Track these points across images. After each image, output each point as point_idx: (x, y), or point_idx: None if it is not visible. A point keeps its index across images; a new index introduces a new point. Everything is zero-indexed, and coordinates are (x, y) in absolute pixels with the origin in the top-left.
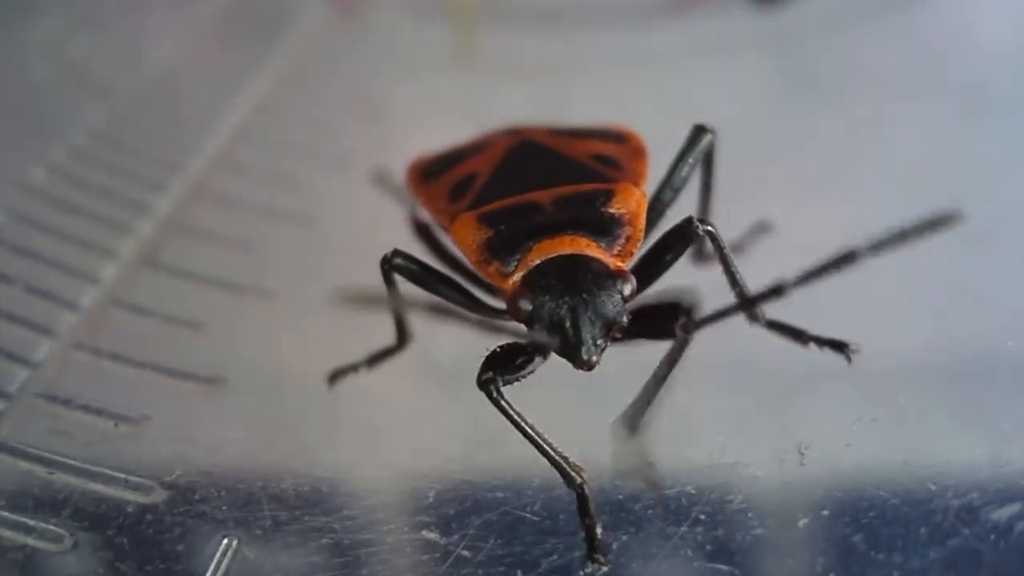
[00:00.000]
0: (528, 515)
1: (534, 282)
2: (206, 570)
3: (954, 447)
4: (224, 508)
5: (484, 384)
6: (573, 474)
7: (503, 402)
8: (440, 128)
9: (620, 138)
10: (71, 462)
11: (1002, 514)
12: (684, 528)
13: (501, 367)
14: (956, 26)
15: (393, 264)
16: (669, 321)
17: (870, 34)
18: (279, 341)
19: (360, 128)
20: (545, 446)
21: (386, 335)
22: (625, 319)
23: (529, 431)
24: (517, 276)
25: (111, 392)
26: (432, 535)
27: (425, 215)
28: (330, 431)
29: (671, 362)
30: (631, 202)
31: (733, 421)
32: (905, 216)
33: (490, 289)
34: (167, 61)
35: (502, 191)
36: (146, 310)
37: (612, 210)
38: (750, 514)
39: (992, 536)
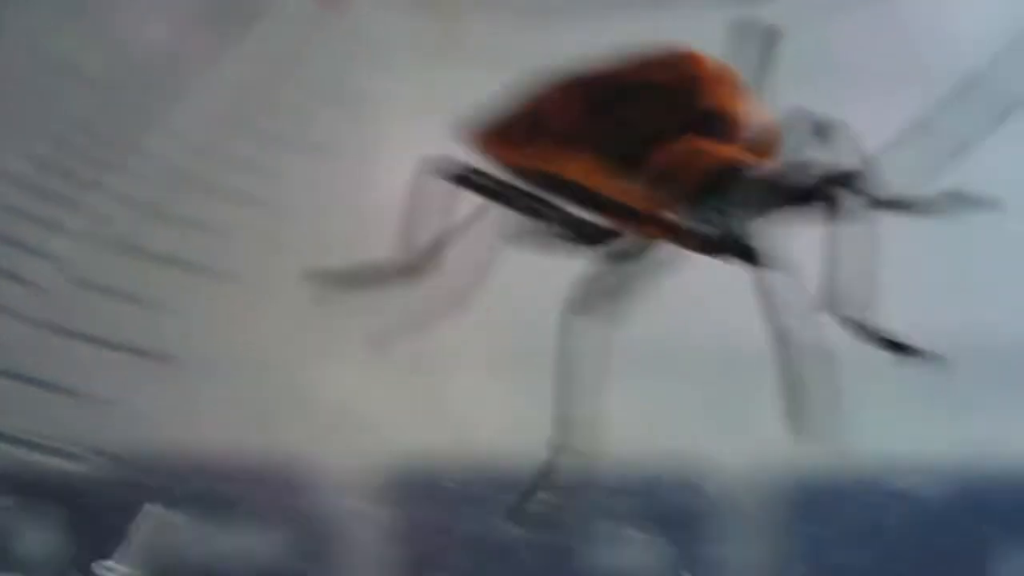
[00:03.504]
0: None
1: (666, 188)
2: (135, 539)
3: (919, 435)
4: (159, 480)
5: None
6: None
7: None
8: (421, 119)
9: (681, 56)
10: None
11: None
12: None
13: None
14: (935, 15)
15: (467, 179)
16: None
17: (848, 24)
18: (235, 322)
19: (338, 117)
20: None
21: (339, 323)
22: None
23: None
24: (646, 187)
25: (58, 366)
26: (377, 513)
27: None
28: (279, 411)
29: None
30: (739, 99)
31: (699, 408)
32: None
33: None
34: (146, 48)
35: (607, 127)
36: (102, 288)
37: (714, 105)
38: (714, 502)
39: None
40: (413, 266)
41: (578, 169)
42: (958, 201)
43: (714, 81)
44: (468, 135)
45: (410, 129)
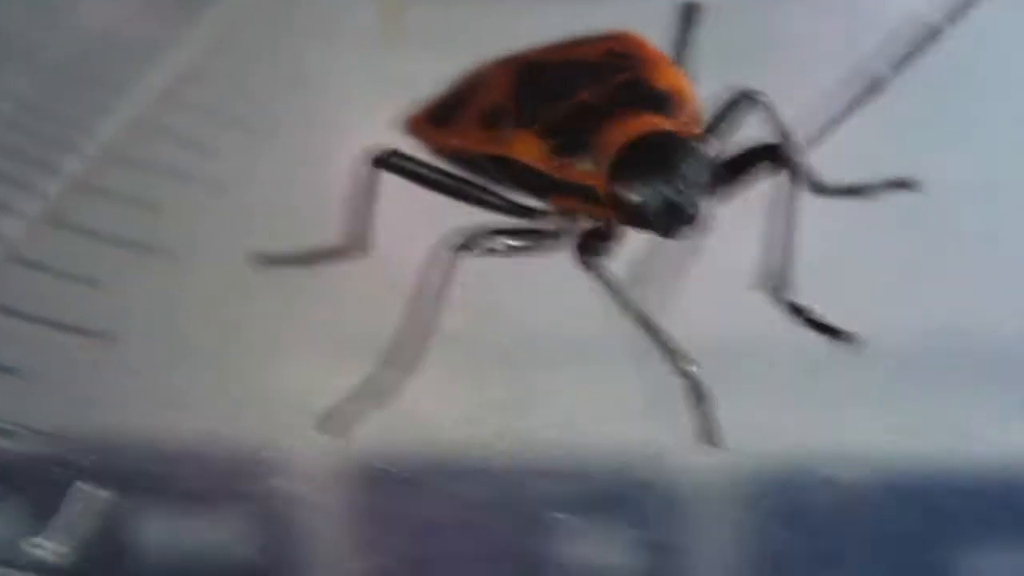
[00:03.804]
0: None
1: (623, 168)
2: (65, 517)
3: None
4: (90, 459)
5: (592, 264)
6: (681, 359)
7: (613, 282)
8: (368, 101)
9: (616, 37)
10: None
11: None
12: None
13: (596, 248)
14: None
15: (390, 163)
16: (765, 154)
17: (789, 7)
18: (179, 302)
19: (285, 99)
20: (657, 329)
21: (286, 301)
22: (720, 173)
23: (642, 312)
24: (601, 167)
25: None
26: (303, 494)
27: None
28: (218, 392)
29: (791, 203)
30: (673, 74)
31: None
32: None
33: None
34: (95, 28)
35: (541, 104)
36: (46, 267)
37: (661, 86)
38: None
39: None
40: (347, 248)
41: (523, 149)
42: (885, 185)
43: (655, 61)
44: (405, 121)
45: (353, 111)
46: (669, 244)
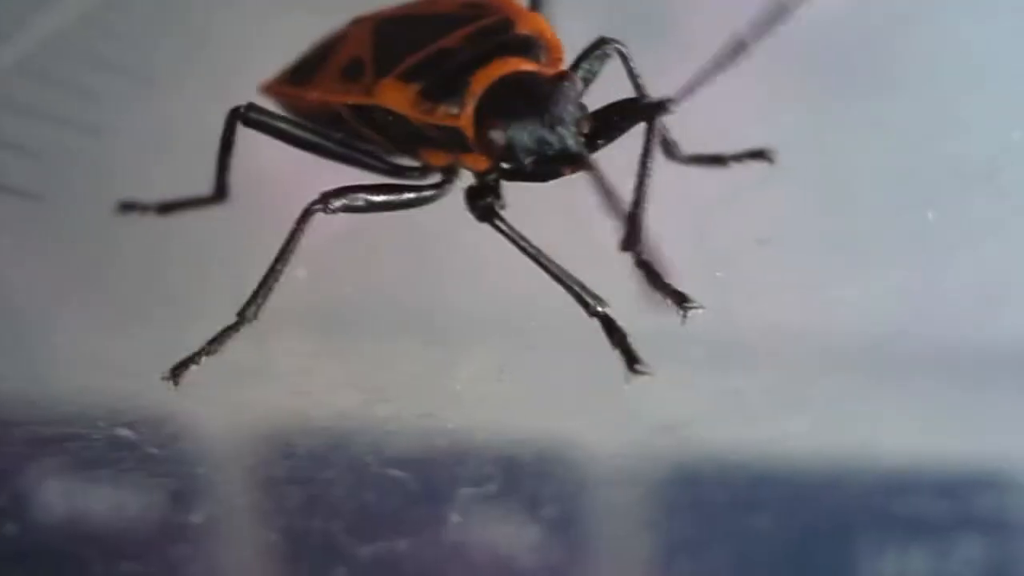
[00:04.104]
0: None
1: (491, 108)
2: None
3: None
4: None
5: (485, 212)
6: (591, 300)
7: (511, 230)
8: (258, 59)
9: None
10: None
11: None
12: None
13: (485, 199)
14: None
15: (248, 118)
16: (635, 106)
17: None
18: (41, 246)
19: (173, 50)
20: (561, 273)
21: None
22: (588, 112)
23: (544, 259)
24: (469, 109)
25: None
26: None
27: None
28: (75, 342)
29: (645, 157)
30: (534, 20)
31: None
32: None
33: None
34: None
35: (403, 53)
36: None
37: (522, 31)
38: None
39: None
40: (207, 198)
41: (389, 96)
42: (740, 156)
43: (514, 9)
44: (262, 85)
45: (240, 68)
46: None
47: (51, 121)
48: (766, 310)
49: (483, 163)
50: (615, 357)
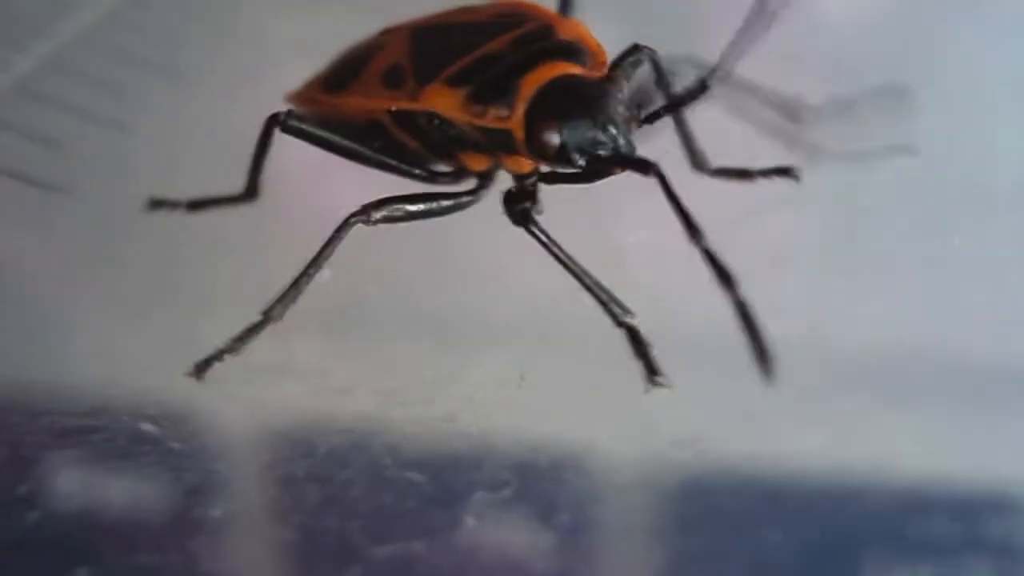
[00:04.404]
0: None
1: (543, 110)
2: None
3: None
4: None
5: (522, 216)
6: (619, 310)
7: (546, 236)
8: (287, 59)
9: (502, 3)
10: None
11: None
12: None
13: (524, 204)
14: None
15: (287, 125)
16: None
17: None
18: (66, 238)
19: (206, 48)
20: (591, 282)
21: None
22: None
23: (575, 266)
24: (519, 111)
25: None
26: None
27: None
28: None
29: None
30: (574, 27)
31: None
32: None
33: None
34: None
35: (446, 60)
36: None
37: (565, 37)
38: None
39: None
40: (236, 197)
41: (437, 101)
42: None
43: (551, 17)
44: (289, 96)
45: (270, 67)
46: None
47: (77, 115)
48: (785, 328)
49: (526, 166)
50: (634, 368)
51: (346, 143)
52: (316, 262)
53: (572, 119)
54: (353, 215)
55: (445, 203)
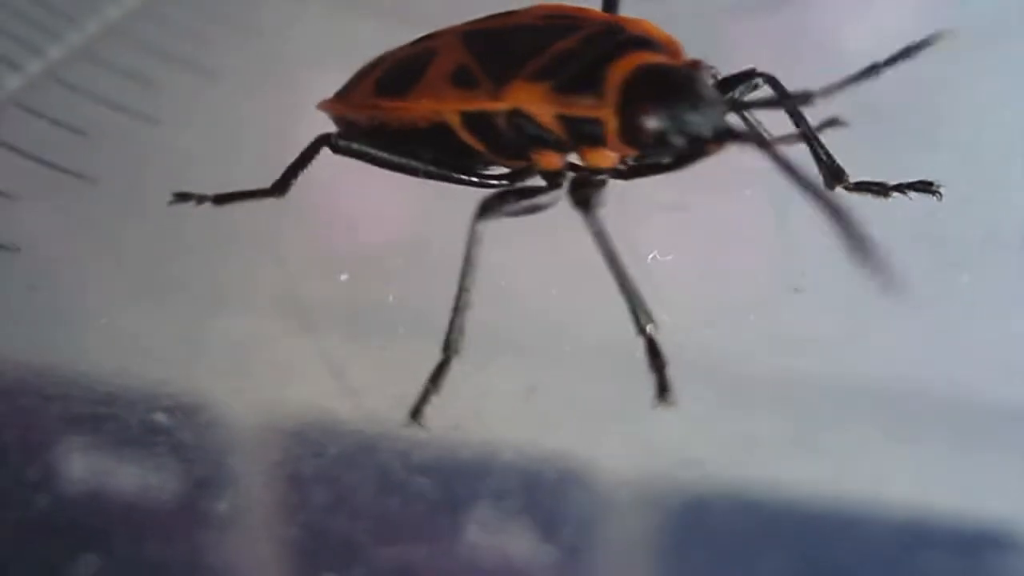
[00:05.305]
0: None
1: (637, 95)
2: None
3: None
4: None
5: (585, 200)
6: (643, 318)
7: (599, 227)
8: (317, 58)
9: (542, 5)
10: None
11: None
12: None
13: (590, 193)
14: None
15: (338, 146)
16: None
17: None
18: (89, 225)
19: (236, 45)
20: (627, 283)
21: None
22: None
23: (617, 265)
24: (610, 99)
25: None
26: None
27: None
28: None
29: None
30: (641, 24)
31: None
32: None
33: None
34: None
35: (517, 60)
36: None
37: (636, 31)
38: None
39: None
40: (270, 193)
41: (522, 96)
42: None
43: (622, 18)
44: (323, 105)
45: (300, 66)
46: None
47: (105, 105)
48: (793, 357)
49: (609, 159)
50: (641, 387)
51: (396, 158)
52: (464, 278)
53: (669, 102)
54: (477, 220)
55: (544, 198)
